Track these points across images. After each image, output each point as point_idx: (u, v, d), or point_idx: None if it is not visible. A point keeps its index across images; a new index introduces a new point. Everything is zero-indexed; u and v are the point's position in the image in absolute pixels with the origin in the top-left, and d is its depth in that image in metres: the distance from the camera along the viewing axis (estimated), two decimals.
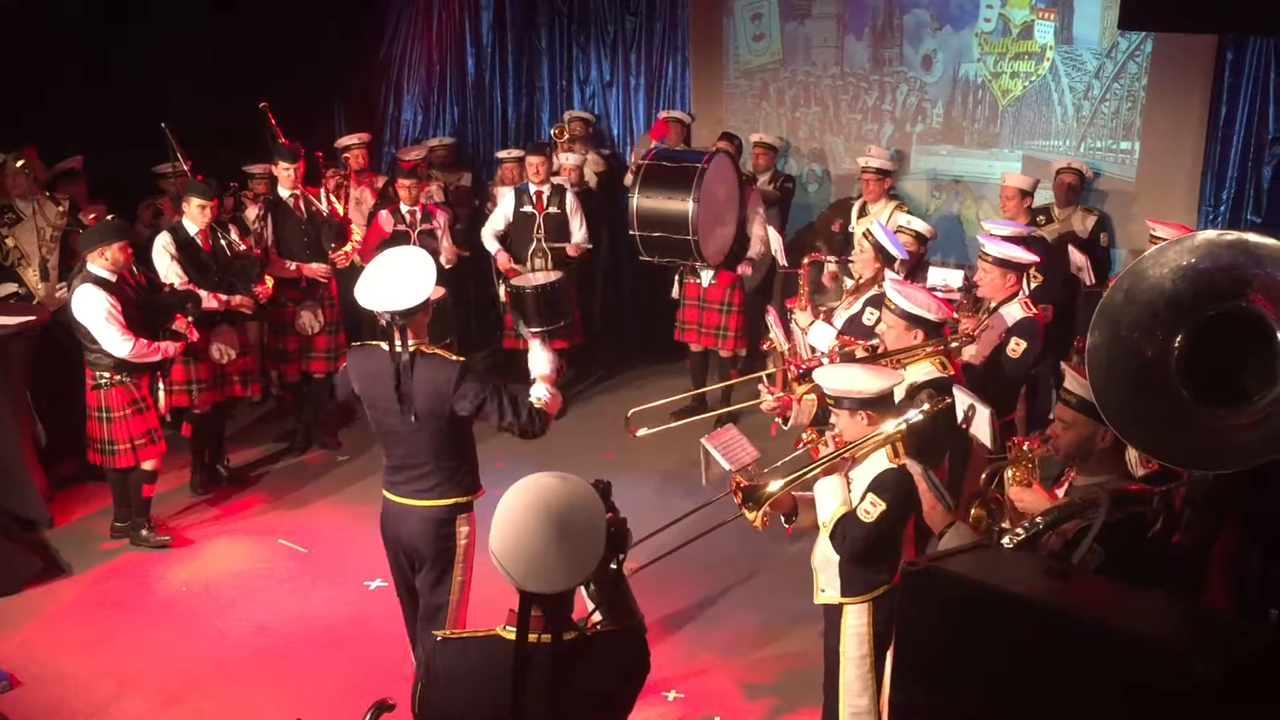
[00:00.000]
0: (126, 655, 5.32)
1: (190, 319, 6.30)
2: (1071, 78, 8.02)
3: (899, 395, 4.40)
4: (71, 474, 6.93)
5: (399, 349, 4.11)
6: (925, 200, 8.73)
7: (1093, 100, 7.95)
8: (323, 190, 7.59)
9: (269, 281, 7.03)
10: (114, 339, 5.87)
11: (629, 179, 8.30)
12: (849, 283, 6.50)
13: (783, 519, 4.08)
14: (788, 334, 5.90)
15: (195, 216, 6.60)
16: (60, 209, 7.16)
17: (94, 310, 5.83)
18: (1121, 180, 7.92)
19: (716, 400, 7.88)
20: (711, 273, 7.99)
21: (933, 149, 8.75)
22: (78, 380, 6.20)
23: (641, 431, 5.43)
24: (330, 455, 7.66)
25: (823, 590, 4.09)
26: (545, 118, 10.49)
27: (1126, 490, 3.05)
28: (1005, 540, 2.77)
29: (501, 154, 9.47)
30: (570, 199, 8.23)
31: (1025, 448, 3.69)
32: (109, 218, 6.37)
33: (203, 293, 6.51)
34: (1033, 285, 6.48)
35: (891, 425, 3.86)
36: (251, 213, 7.45)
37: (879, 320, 5.32)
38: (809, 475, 3.93)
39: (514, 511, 2.55)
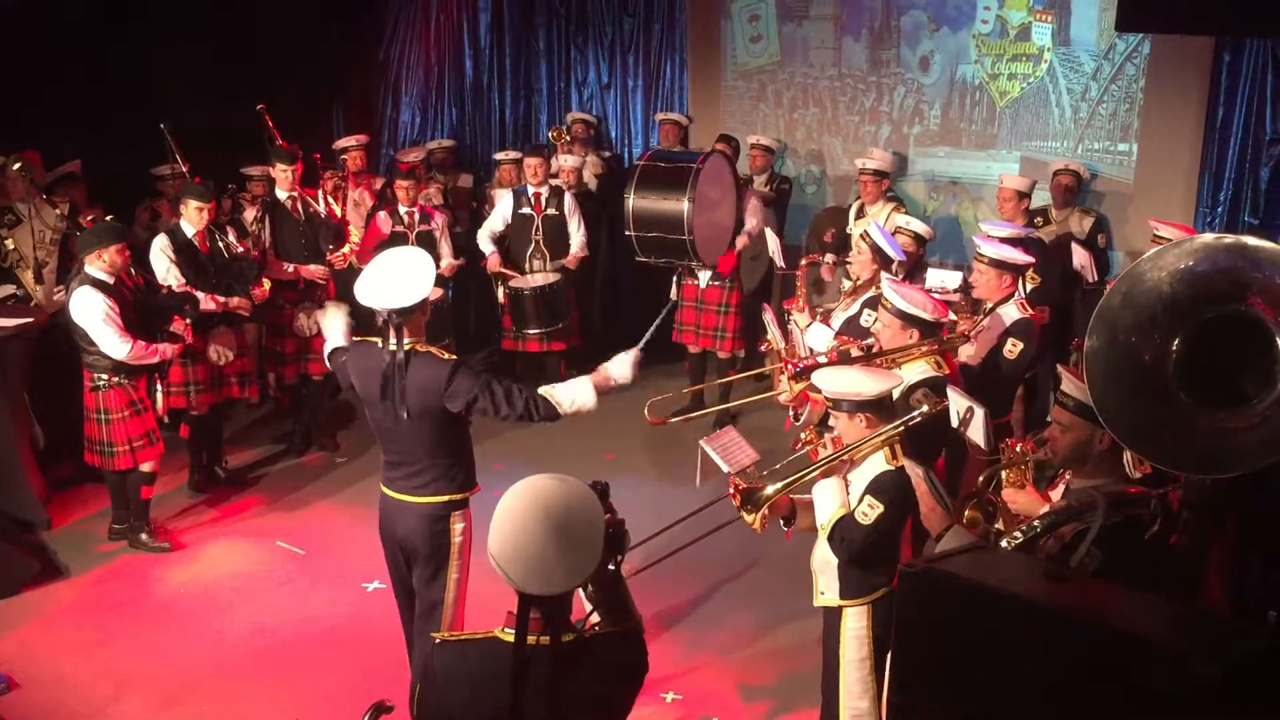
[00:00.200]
0: (125, 657, 5.32)
1: (188, 321, 6.31)
2: (1069, 79, 8.03)
3: (895, 394, 4.40)
4: (69, 476, 6.93)
5: (394, 346, 4.15)
6: (923, 201, 8.74)
7: (1090, 102, 7.96)
8: (320, 192, 7.59)
9: (266, 283, 7.02)
10: (112, 341, 5.87)
11: None
12: (846, 284, 6.51)
13: (781, 522, 4.08)
14: (785, 332, 5.91)
15: (193, 218, 6.59)
16: (59, 212, 7.16)
17: (92, 312, 5.83)
18: (1119, 182, 7.93)
19: (716, 400, 7.89)
20: (709, 274, 8.00)
21: (930, 150, 8.76)
22: (76, 382, 6.19)
23: (660, 419, 5.39)
24: (328, 457, 7.66)
25: (822, 593, 4.09)
26: (543, 120, 10.50)
27: (1124, 493, 3.05)
28: (1003, 543, 2.78)
29: (499, 156, 9.47)
30: (569, 201, 8.23)
31: (1018, 449, 3.70)
32: (106, 220, 6.37)
33: (200, 295, 6.50)
34: (1030, 287, 6.49)
35: (890, 426, 3.86)
36: (250, 214, 7.45)
37: (876, 322, 5.33)
38: (807, 477, 3.94)
39: (513, 513, 2.55)
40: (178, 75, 8.60)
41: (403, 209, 8.01)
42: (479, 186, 9.78)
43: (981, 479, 3.69)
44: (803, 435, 4.32)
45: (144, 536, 6.31)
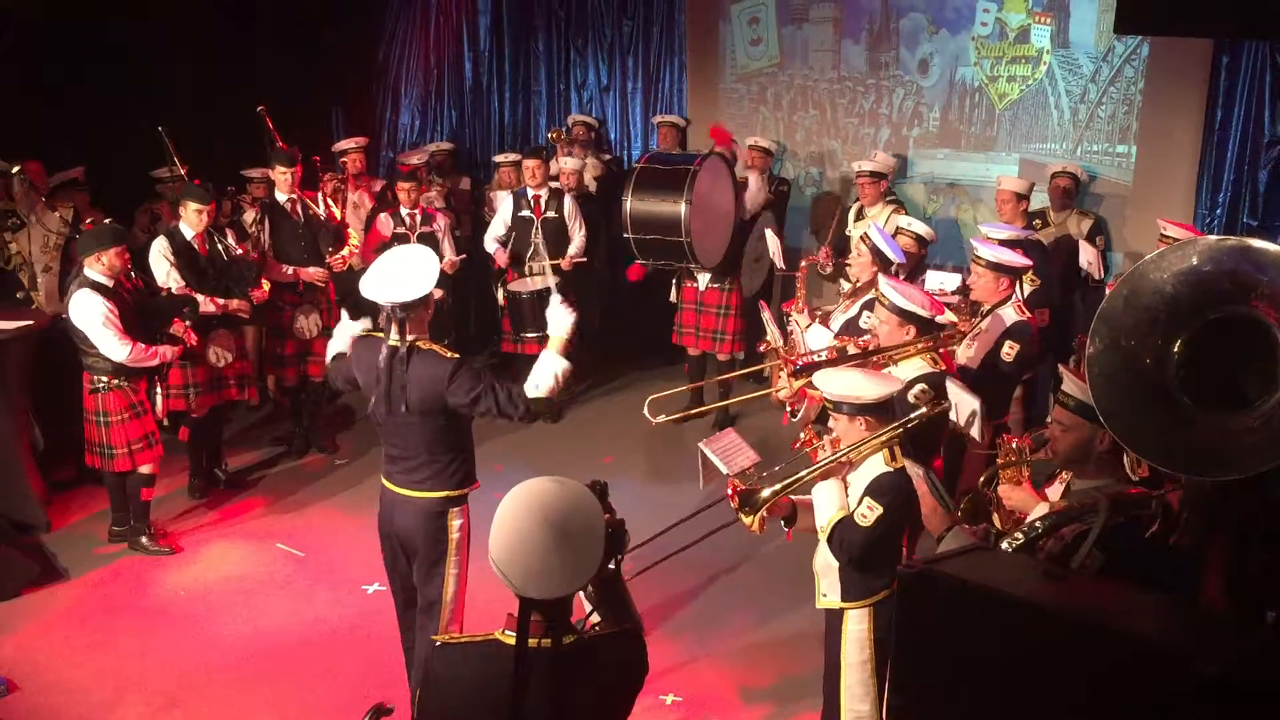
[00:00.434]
0: (125, 659, 5.32)
1: (188, 323, 6.31)
2: (1068, 81, 8.04)
3: None
4: (69, 478, 6.93)
5: (395, 341, 4.19)
6: (923, 204, 8.74)
7: (1089, 104, 7.97)
8: (320, 194, 7.59)
9: (266, 285, 7.02)
10: (111, 344, 5.87)
11: None
12: (845, 285, 6.50)
13: (782, 523, 4.08)
14: (784, 332, 5.92)
15: (192, 220, 6.59)
16: (60, 215, 7.16)
17: (91, 315, 5.83)
18: (1118, 184, 7.94)
19: (715, 400, 7.89)
20: (708, 276, 8.00)
21: (930, 153, 8.76)
22: (76, 384, 6.19)
23: (660, 418, 5.41)
24: (328, 459, 7.66)
25: (824, 595, 4.09)
26: (542, 122, 10.50)
27: (1125, 494, 3.05)
28: (1004, 544, 2.78)
29: (498, 158, 9.47)
30: (569, 203, 8.23)
31: (1015, 445, 3.70)
32: (105, 222, 6.37)
33: (200, 297, 6.51)
34: (1029, 289, 6.49)
35: (888, 429, 3.86)
36: (249, 216, 7.46)
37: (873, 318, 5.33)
38: (806, 479, 3.94)
39: (512, 517, 2.55)
40: (176, 78, 8.60)
41: (404, 211, 8.01)
42: (477, 188, 9.78)
43: (982, 480, 3.69)
44: (801, 435, 4.32)
45: (144, 539, 6.31)
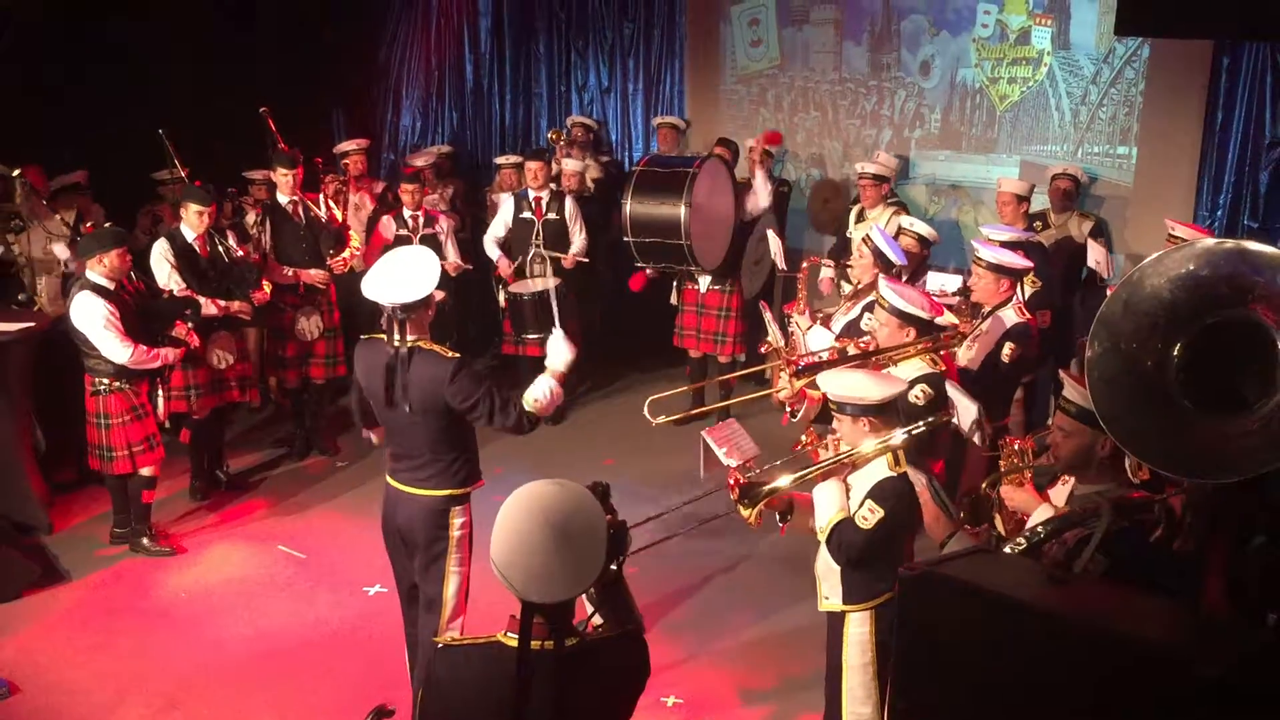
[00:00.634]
0: (126, 661, 5.32)
1: (190, 325, 6.31)
2: (1069, 83, 8.04)
3: None
4: (71, 480, 6.94)
5: (397, 342, 4.22)
6: (924, 205, 8.74)
7: (1090, 105, 7.97)
8: (321, 196, 7.60)
9: (267, 287, 7.03)
10: (113, 346, 5.87)
11: None
12: (847, 288, 6.50)
13: (777, 517, 4.08)
14: (785, 333, 5.92)
15: (193, 222, 6.60)
16: (61, 217, 7.17)
17: (92, 318, 5.83)
18: (1119, 185, 7.93)
19: (717, 401, 7.89)
20: (709, 278, 8.00)
21: (931, 154, 8.76)
22: (77, 386, 6.20)
23: (660, 419, 5.41)
24: (329, 461, 7.67)
25: (826, 598, 4.09)
26: (543, 123, 10.50)
27: (1128, 498, 3.05)
28: (1008, 549, 2.78)
29: (500, 160, 9.47)
30: (570, 205, 8.24)
31: (1017, 447, 3.71)
32: (107, 225, 6.37)
33: (202, 299, 6.51)
34: (1030, 291, 6.49)
35: (896, 435, 3.86)
36: (251, 218, 7.47)
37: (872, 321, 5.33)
38: (808, 476, 3.94)
39: (513, 521, 2.55)
40: (177, 79, 8.61)
41: (407, 213, 8.02)
42: (477, 191, 9.78)
43: (986, 483, 3.70)
44: (803, 438, 4.32)
45: (145, 541, 6.31)
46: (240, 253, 6.91)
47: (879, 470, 3.87)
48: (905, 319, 4.86)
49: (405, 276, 4.22)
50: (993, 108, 8.40)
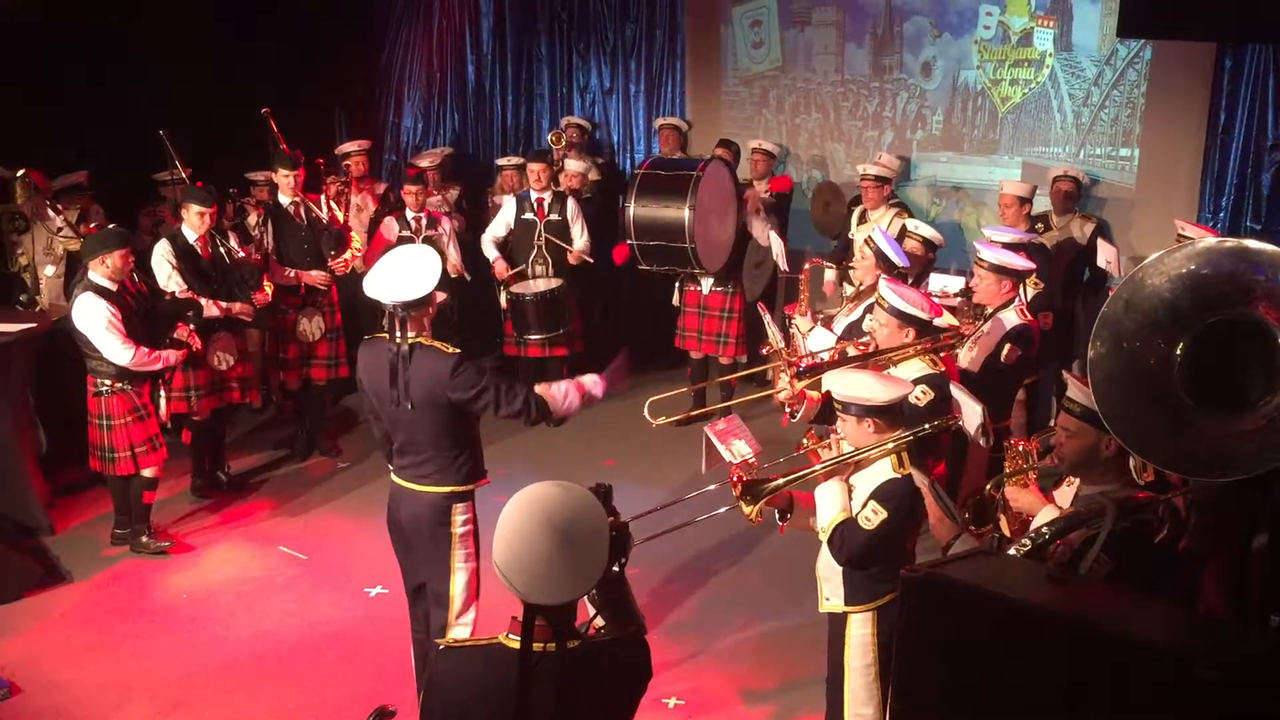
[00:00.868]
0: (127, 662, 5.32)
1: (192, 327, 6.31)
2: (1071, 85, 8.03)
3: None
4: (73, 481, 6.93)
5: (398, 340, 4.26)
6: (926, 207, 8.74)
7: (1092, 107, 7.97)
8: (323, 197, 7.60)
9: (268, 288, 7.03)
10: (114, 348, 5.87)
11: None
12: (849, 289, 6.50)
13: (777, 514, 4.08)
14: (786, 335, 5.91)
15: (194, 223, 6.60)
16: (62, 217, 7.18)
17: (94, 320, 5.83)
18: (1121, 187, 7.93)
19: (718, 401, 7.89)
20: (711, 280, 8.00)
21: (933, 156, 8.76)
22: (79, 387, 6.20)
23: (661, 420, 5.41)
24: (331, 462, 7.66)
25: (827, 599, 4.08)
26: (545, 125, 10.49)
27: (1132, 499, 3.05)
28: (1012, 550, 2.78)
29: (502, 161, 9.47)
30: (572, 206, 8.24)
31: (1021, 449, 3.70)
32: (110, 226, 6.38)
33: (204, 300, 6.51)
34: (1032, 293, 6.48)
35: (899, 436, 3.86)
36: (253, 219, 7.46)
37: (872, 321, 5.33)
38: (810, 476, 3.94)
39: (516, 522, 2.55)
40: (178, 80, 8.61)
41: (410, 215, 8.02)
42: (479, 192, 9.77)
43: (990, 484, 3.70)
44: (805, 442, 4.32)
45: (147, 541, 6.31)
46: (242, 254, 6.91)
47: (883, 471, 3.87)
48: (904, 319, 4.86)
49: (407, 275, 4.26)
50: (995, 109, 8.40)
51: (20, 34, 7.91)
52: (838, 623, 4.05)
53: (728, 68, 9.62)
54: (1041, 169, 8.06)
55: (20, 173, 7.09)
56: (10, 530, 6.26)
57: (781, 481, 3.87)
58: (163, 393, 6.26)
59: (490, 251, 8.25)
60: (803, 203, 9.25)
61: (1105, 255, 7.12)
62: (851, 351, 5.08)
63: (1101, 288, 7.43)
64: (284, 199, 7.30)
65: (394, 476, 4.55)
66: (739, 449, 4.54)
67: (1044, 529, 2.87)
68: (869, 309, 5.78)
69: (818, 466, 3.95)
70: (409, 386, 4.27)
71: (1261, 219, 7.31)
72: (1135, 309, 2.55)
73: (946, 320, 5.39)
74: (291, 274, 7.25)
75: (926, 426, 3.90)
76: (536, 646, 2.53)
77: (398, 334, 4.28)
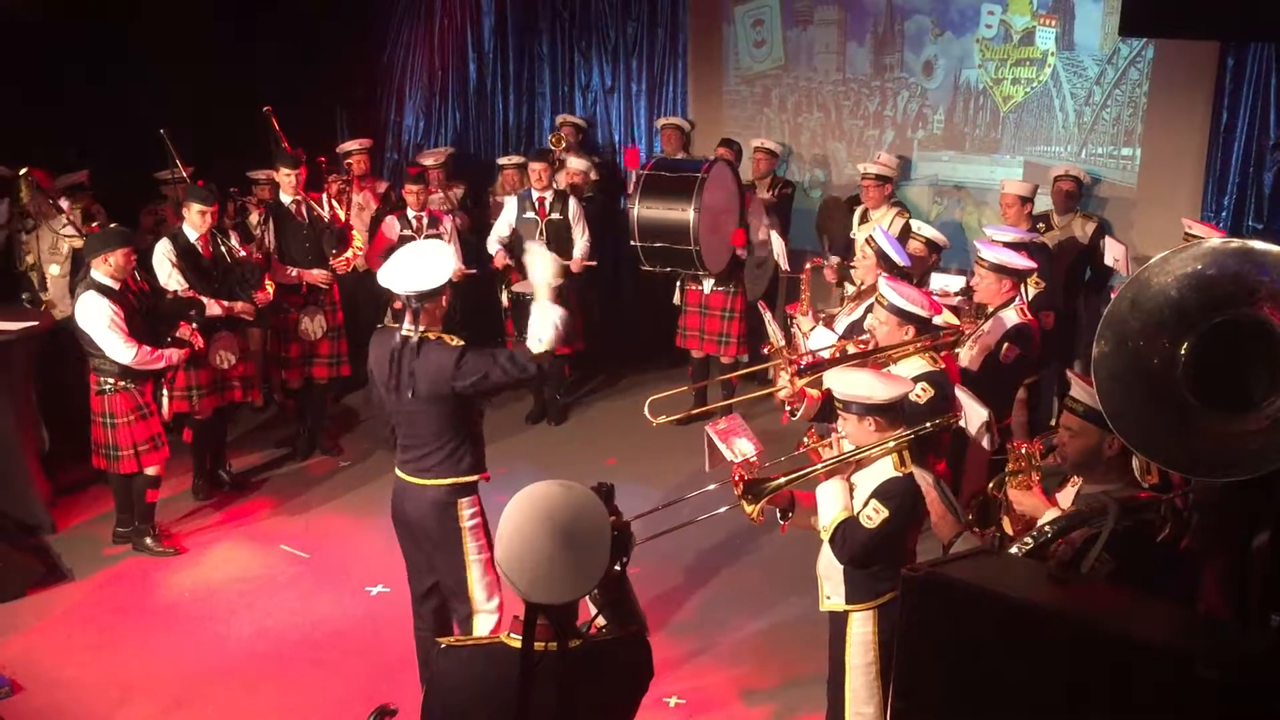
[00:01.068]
0: (129, 660, 5.32)
1: (194, 326, 6.32)
2: (1073, 84, 8.03)
3: None
4: (74, 479, 6.94)
5: (408, 330, 4.32)
6: (927, 206, 8.73)
7: (1094, 106, 7.96)
8: (325, 196, 7.60)
9: (270, 287, 7.03)
10: (117, 347, 5.88)
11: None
12: (850, 288, 6.50)
13: (778, 513, 4.09)
14: (787, 334, 5.91)
15: (195, 222, 6.60)
16: (66, 216, 7.18)
17: (96, 318, 5.84)
18: (1123, 187, 7.93)
19: (719, 400, 7.89)
20: (713, 280, 8.00)
21: (934, 155, 8.76)
22: (81, 385, 6.21)
23: (661, 419, 5.41)
24: (333, 461, 7.66)
25: (828, 598, 4.09)
26: (546, 124, 10.49)
27: (1135, 498, 3.05)
28: (1014, 549, 2.78)
29: (503, 160, 9.46)
30: (573, 205, 8.23)
31: (1024, 451, 3.70)
32: (112, 225, 6.38)
33: (205, 299, 6.51)
34: (1033, 292, 6.48)
35: (900, 435, 3.86)
36: (254, 218, 7.47)
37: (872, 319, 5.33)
38: (812, 474, 3.94)
39: (517, 523, 2.55)
40: (179, 80, 8.61)
41: (411, 214, 8.02)
42: (480, 191, 9.77)
43: (992, 484, 3.70)
44: (806, 440, 4.32)
45: (148, 540, 6.32)
46: (243, 253, 6.91)
47: (884, 470, 3.87)
48: (904, 317, 4.86)
49: (422, 266, 4.35)
50: (996, 108, 8.40)
51: (20, 34, 7.91)
52: (839, 621, 4.05)
53: (729, 67, 9.62)
54: (1043, 168, 8.05)
55: (23, 171, 7.10)
56: (12, 528, 6.26)
57: (783, 480, 3.88)
58: (165, 391, 6.26)
59: (495, 251, 8.25)
60: (804, 202, 9.25)
61: (1113, 253, 7.10)
62: (851, 349, 5.08)
63: (1103, 287, 7.43)
64: (285, 198, 7.30)
65: (398, 471, 4.58)
66: (740, 448, 4.53)
67: (1046, 527, 2.87)
68: (870, 308, 5.79)
69: (819, 465, 3.96)
70: (414, 379, 4.32)
71: (1264, 218, 7.31)
72: (1140, 308, 2.55)
73: (946, 318, 5.39)
74: (293, 273, 7.25)
75: (927, 425, 3.90)
76: (538, 646, 2.53)
77: (407, 324, 4.33)
